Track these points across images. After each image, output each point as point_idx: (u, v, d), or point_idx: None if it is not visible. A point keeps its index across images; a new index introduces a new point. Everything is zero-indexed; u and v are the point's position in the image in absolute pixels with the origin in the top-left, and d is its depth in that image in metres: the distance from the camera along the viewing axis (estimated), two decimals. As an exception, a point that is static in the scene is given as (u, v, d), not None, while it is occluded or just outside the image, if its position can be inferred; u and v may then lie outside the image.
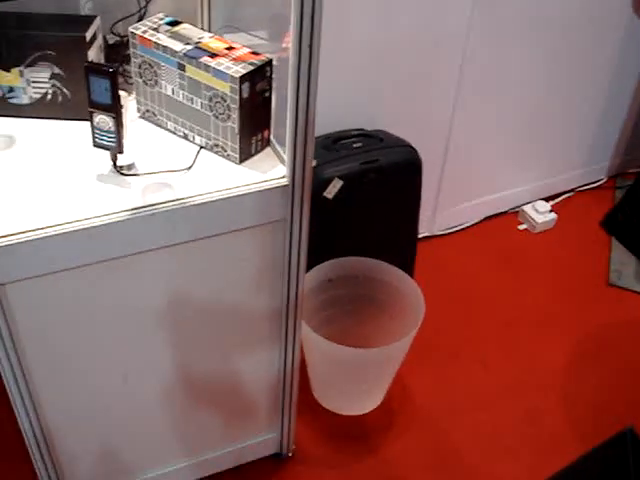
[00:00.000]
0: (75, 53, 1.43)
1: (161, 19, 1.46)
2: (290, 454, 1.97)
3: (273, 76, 1.38)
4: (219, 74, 1.31)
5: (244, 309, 1.55)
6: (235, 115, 1.33)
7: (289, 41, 1.22)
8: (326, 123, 2.15)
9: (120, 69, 1.61)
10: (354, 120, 2.22)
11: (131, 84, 1.52)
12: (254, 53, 1.37)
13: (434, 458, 2.04)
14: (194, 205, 1.32)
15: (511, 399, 2.21)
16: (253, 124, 1.38)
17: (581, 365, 2.34)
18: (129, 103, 1.52)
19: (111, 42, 1.63)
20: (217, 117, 1.37)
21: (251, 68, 1.31)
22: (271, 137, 1.46)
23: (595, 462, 0.94)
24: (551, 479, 0.95)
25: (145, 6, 1.59)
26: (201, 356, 1.60)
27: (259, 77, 1.33)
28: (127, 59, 1.51)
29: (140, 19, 1.58)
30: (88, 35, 1.44)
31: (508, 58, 2.42)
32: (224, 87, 1.31)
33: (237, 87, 1.30)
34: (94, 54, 1.49)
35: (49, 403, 1.47)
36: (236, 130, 1.35)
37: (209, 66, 1.32)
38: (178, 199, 1.32)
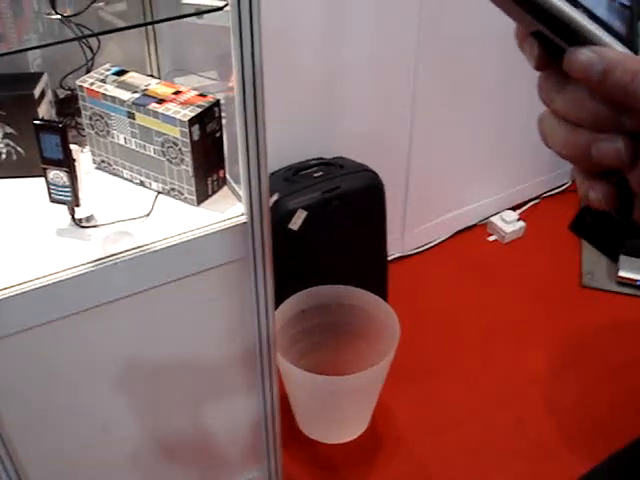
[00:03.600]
0: (25, 111, 1.44)
1: (107, 70, 1.47)
2: (280, 489, 1.97)
3: (223, 114, 1.40)
4: (168, 119, 1.32)
5: (217, 350, 1.55)
6: (188, 158, 1.34)
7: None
8: (285, 155, 2.17)
9: (72, 122, 1.62)
10: (313, 149, 2.23)
11: (84, 136, 1.53)
12: (201, 95, 1.38)
13: (424, 478, 2.04)
14: (155, 251, 1.32)
15: (495, 411, 2.21)
16: (207, 165, 1.39)
17: (562, 370, 2.35)
18: (84, 155, 1.53)
19: (62, 96, 1.64)
20: (171, 162, 1.38)
21: (199, 110, 1.32)
22: (227, 176, 1.47)
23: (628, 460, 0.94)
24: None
25: (92, 58, 1.60)
26: (178, 402, 1.59)
27: (208, 118, 1.35)
28: (79, 112, 1.52)
29: (88, 71, 1.59)
30: (37, 92, 1.45)
31: (460, 73, 2.45)
32: (174, 132, 1.33)
33: (187, 130, 1.31)
34: (45, 110, 1.49)
35: (27, 460, 1.45)
36: (190, 173, 1.36)
37: (157, 112, 1.33)
38: (139, 247, 1.32)
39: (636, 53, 0.39)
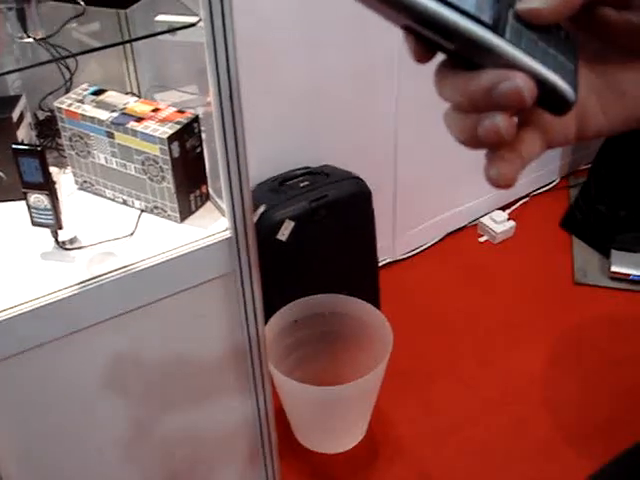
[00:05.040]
0: (4, 135, 1.43)
1: (85, 90, 1.46)
2: (280, 501, 1.95)
3: (202, 129, 1.39)
4: (147, 137, 1.32)
5: (208, 366, 1.54)
6: (169, 175, 1.34)
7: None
8: (270, 166, 2.16)
9: (53, 143, 1.61)
10: (298, 159, 2.23)
11: (66, 157, 1.52)
12: (180, 111, 1.37)
13: (425, 484, 2.04)
14: (140, 270, 1.31)
15: (495, 413, 2.20)
16: (189, 182, 1.39)
17: (560, 368, 2.34)
18: (66, 176, 1.52)
19: (42, 118, 1.63)
20: (152, 180, 1.37)
21: (178, 127, 1.32)
22: (210, 191, 1.46)
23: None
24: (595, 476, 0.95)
25: (70, 79, 1.59)
26: (172, 419, 1.58)
27: (187, 135, 1.34)
28: (59, 133, 1.51)
29: (67, 91, 1.58)
30: (15, 115, 1.44)
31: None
32: (154, 149, 1.32)
33: (166, 148, 1.30)
34: (24, 133, 1.48)
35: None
36: (172, 190, 1.36)
37: (136, 131, 1.33)
38: (124, 267, 1.31)
39: (503, 37, 0.40)
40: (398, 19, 0.41)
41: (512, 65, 0.41)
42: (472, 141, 0.44)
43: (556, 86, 0.42)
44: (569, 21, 0.45)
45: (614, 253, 2.67)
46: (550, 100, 0.42)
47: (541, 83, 0.41)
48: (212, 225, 1.40)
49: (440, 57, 0.44)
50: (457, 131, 0.45)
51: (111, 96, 1.44)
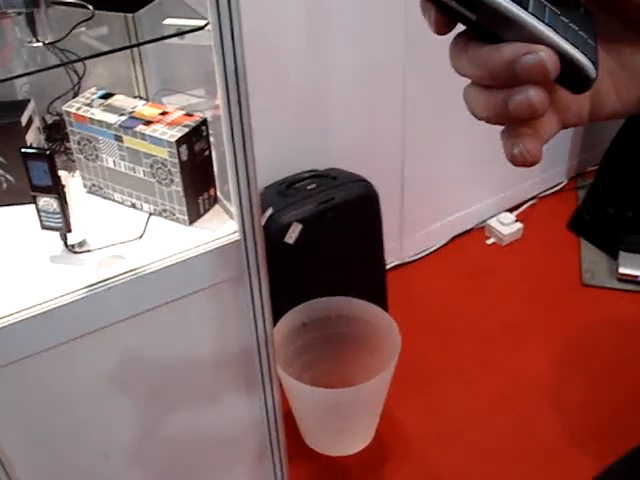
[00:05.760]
0: (13, 139, 1.43)
1: (94, 93, 1.47)
2: (289, 504, 1.95)
3: (211, 132, 1.39)
4: (156, 140, 1.32)
5: (217, 367, 1.54)
6: (177, 179, 1.34)
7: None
8: (277, 169, 2.17)
9: (62, 147, 1.61)
10: (305, 162, 2.23)
11: (74, 161, 1.53)
12: (188, 115, 1.38)
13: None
14: (149, 273, 1.31)
15: (500, 414, 2.20)
16: (197, 185, 1.39)
17: (565, 369, 2.34)
18: (75, 179, 1.53)
19: (50, 122, 1.64)
20: (161, 183, 1.37)
21: (186, 130, 1.32)
22: (218, 194, 1.46)
23: None
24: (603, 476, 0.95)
25: (78, 82, 1.60)
26: (180, 424, 1.58)
27: (196, 138, 1.34)
28: (68, 137, 1.52)
29: (75, 95, 1.59)
30: (24, 119, 1.44)
31: (450, 76, 2.44)
32: (162, 153, 1.32)
33: (175, 151, 1.30)
34: (33, 137, 1.49)
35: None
36: (181, 193, 1.36)
37: (145, 134, 1.33)
38: (133, 269, 1.31)
39: (527, 10, 0.40)
40: None
41: (535, 38, 0.40)
42: (497, 117, 0.44)
43: (579, 62, 0.41)
44: None
45: (622, 254, 2.67)
46: (571, 76, 0.42)
47: (563, 58, 0.40)
48: (220, 228, 1.40)
49: (454, 32, 0.44)
50: (480, 108, 0.44)
51: (119, 100, 1.44)
